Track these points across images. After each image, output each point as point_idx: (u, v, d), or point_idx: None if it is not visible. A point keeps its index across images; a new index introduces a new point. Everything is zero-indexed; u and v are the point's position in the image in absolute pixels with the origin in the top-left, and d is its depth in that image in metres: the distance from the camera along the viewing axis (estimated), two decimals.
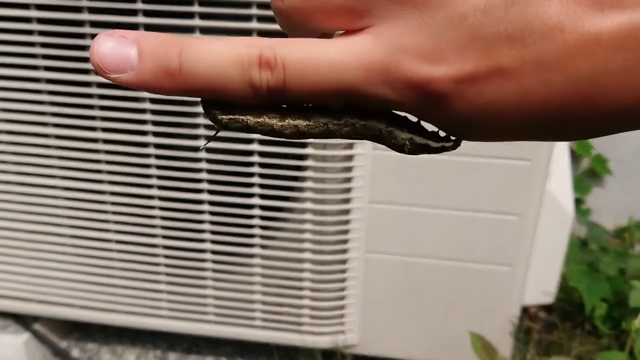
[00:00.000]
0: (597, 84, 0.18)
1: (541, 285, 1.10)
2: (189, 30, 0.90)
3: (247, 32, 0.89)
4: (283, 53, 0.20)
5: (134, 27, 0.91)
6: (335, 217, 1.02)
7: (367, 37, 0.20)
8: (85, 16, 0.91)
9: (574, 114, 0.19)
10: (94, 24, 0.92)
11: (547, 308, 1.40)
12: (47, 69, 0.97)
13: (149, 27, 0.91)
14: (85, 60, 0.95)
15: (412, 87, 0.19)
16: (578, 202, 1.65)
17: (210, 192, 1.02)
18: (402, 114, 0.22)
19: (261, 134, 0.23)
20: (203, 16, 0.89)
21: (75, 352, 1.32)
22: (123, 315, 1.18)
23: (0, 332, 1.25)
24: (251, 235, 1.06)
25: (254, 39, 0.20)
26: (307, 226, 1.03)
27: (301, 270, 1.07)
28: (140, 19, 0.90)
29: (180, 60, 0.20)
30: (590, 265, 1.34)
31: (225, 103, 0.22)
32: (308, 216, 1.02)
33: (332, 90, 0.20)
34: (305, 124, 0.22)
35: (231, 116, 0.22)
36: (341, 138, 0.23)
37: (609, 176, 1.64)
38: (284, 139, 0.26)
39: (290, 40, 0.20)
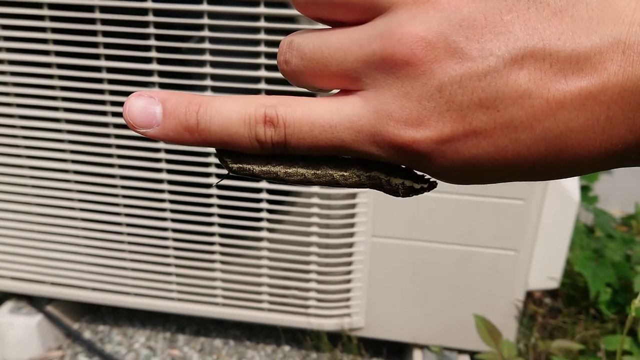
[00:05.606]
0: (562, 140, 0.20)
1: (546, 271, 1.11)
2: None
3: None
4: (284, 113, 0.23)
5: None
6: (341, 201, 1.04)
7: (358, 101, 0.22)
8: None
9: (545, 164, 0.21)
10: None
11: (552, 293, 1.42)
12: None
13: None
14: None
15: (396, 148, 0.22)
16: (585, 189, 1.65)
17: (219, 175, 1.04)
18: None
19: (267, 181, 0.25)
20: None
21: (86, 334, 1.35)
22: (133, 297, 1.20)
23: (14, 314, 1.28)
24: (259, 219, 1.07)
25: (263, 98, 0.23)
26: (314, 210, 1.04)
27: (308, 254, 1.09)
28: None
29: (197, 118, 0.23)
30: (596, 251, 1.34)
31: (237, 152, 0.25)
32: (315, 200, 1.03)
33: (326, 146, 0.23)
34: (312, 172, 0.25)
35: (240, 165, 0.25)
36: (344, 187, 0.25)
37: None
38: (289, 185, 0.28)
39: (294, 99, 0.23)
